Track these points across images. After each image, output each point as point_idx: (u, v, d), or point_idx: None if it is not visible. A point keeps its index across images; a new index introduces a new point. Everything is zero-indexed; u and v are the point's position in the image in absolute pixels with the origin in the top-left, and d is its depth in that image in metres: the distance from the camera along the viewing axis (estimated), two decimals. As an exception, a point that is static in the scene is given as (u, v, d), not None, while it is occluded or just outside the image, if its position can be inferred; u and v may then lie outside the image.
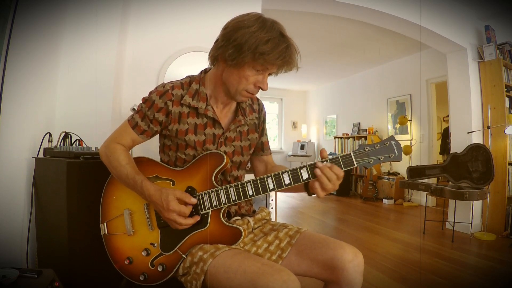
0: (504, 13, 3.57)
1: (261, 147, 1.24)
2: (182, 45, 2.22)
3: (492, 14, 3.62)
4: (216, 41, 1.00)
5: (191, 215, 0.97)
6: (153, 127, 1.06)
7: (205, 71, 1.12)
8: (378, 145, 0.92)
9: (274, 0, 2.73)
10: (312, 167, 0.92)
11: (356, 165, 0.92)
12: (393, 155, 0.92)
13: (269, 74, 1.00)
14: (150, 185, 0.97)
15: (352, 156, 0.91)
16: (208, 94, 1.07)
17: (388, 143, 0.92)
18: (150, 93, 1.06)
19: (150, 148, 1.37)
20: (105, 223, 1.08)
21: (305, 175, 0.93)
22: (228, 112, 1.12)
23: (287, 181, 0.94)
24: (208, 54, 1.04)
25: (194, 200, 0.96)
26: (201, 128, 1.05)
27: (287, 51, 0.93)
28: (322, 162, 0.92)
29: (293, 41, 0.95)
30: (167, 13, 2.22)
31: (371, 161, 0.92)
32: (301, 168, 0.93)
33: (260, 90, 1.02)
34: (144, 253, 1.00)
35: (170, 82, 1.07)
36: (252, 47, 0.90)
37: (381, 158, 0.92)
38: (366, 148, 0.92)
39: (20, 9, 1.38)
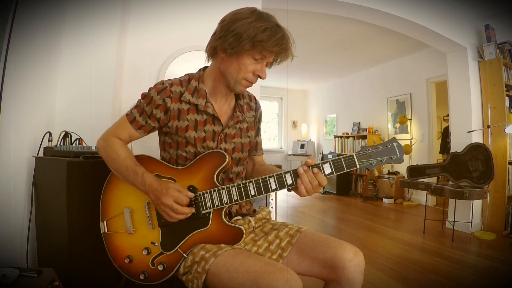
0: (504, 12, 3.57)
1: (255, 147, 1.25)
2: (181, 45, 2.22)
3: (492, 14, 3.62)
4: (214, 33, 1.03)
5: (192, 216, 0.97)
6: (150, 122, 1.06)
7: (203, 69, 1.13)
8: (380, 147, 0.93)
9: (274, -1, 2.73)
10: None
11: (358, 166, 0.93)
12: (395, 156, 0.93)
13: (266, 65, 1.03)
14: (152, 176, 0.98)
15: (355, 158, 0.92)
16: (207, 91, 1.08)
17: (390, 144, 0.93)
18: (149, 89, 1.07)
19: (151, 146, 1.37)
20: (105, 221, 1.08)
21: None
22: (228, 109, 1.13)
23: (289, 181, 0.94)
24: (205, 47, 1.06)
25: (191, 194, 0.96)
26: (201, 125, 1.06)
27: (284, 39, 0.97)
28: (313, 167, 0.93)
29: (288, 31, 0.99)
30: (166, 13, 2.22)
31: (373, 162, 0.93)
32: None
33: (258, 78, 1.04)
34: (144, 252, 1.00)
35: (169, 80, 1.08)
36: (251, 35, 0.93)
37: (383, 159, 0.93)
38: (368, 150, 0.93)
39: (20, 9, 1.37)
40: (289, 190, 0.98)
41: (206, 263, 0.89)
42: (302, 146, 7.71)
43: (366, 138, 5.96)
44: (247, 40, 0.94)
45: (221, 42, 0.98)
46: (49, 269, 1.14)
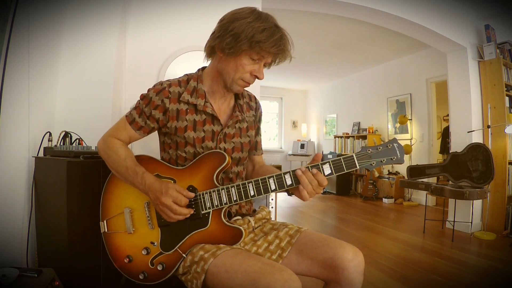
0: (504, 12, 3.57)
1: (255, 147, 1.25)
2: (181, 45, 2.22)
3: (492, 14, 3.62)
4: (213, 33, 1.02)
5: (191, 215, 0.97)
6: (150, 123, 1.06)
7: (202, 69, 1.13)
8: (381, 148, 0.93)
9: (274, -1, 2.73)
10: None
11: (358, 167, 0.92)
12: (395, 157, 0.93)
13: (264, 66, 1.03)
14: (152, 176, 0.98)
15: (355, 158, 0.92)
16: (206, 90, 1.08)
17: (391, 145, 0.93)
18: (148, 90, 1.07)
19: (151, 146, 1.37)
20: (105, 221, 1.08)
21: None
22: (227, 109, 1.13)
23: (289, 182, 0.94)
24: (204, 46, 1.06)
25: (191, 194, 0.96)
26: (200, 125, 1.06)
27: (282, 40, 0.96)
28: (313, 167, 0.93)
29: (286, 32, 0.99)
30: (166, 13, 2.22)
31: (373, 163, 0.93)
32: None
33: (256, 79, 1.04)
34: (144, 252, 1.00)
35: (168, 80, 1.08)
36: (248, 36, 0.93)
37: (383, 160, 0.93)
38: (369, 150, 0.93)
39: (20, 9, 1.38)
40: (289, 194, 0.98)
41: (205, 263, 0.89)
42: (302, 146, 7.71)
43: (366, 138, 5.95)
44: (244, 41, 0.93)
45: (219, 42, 0.98)
46: (49, 269, 1.14)
